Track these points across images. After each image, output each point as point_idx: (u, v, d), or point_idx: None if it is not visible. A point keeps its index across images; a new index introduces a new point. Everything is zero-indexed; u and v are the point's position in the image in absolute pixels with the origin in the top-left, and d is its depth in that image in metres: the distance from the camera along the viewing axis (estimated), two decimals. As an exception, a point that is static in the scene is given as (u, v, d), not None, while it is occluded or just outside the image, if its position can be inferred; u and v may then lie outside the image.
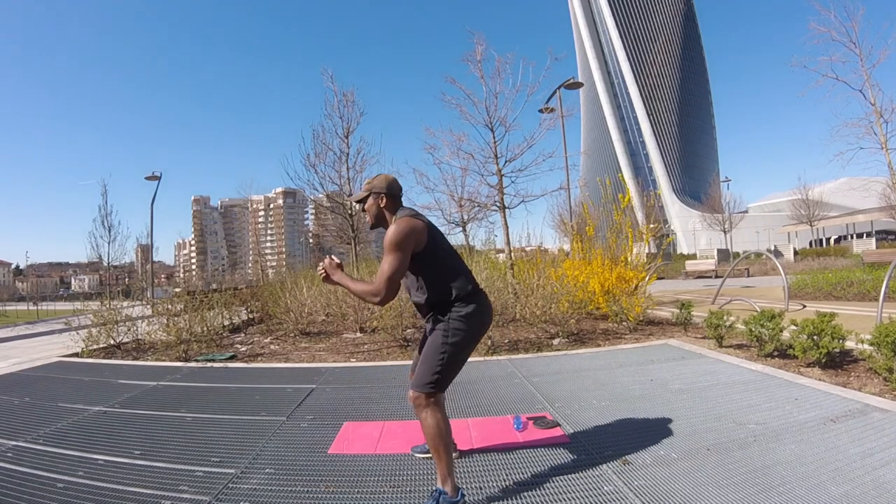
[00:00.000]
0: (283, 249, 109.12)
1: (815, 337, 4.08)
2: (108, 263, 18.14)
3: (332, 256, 2.26)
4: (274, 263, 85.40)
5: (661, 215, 69.22)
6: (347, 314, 7.50)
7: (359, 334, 7.17)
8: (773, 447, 2.54)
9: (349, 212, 10.36)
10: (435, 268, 2.14)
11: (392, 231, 2.04)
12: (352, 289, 2.11)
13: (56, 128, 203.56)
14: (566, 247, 12.30)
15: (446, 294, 2.12)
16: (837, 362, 4.18)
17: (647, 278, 8.21)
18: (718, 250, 33.36)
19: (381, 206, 2.22)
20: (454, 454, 2.54)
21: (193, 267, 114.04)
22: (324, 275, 2.19)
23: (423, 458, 2.59)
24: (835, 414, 2.99)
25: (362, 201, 2.26)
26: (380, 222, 2.25)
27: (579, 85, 12.21)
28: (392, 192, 2.23)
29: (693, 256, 38.58)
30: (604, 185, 8.95)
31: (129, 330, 7.12)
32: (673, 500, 2.05)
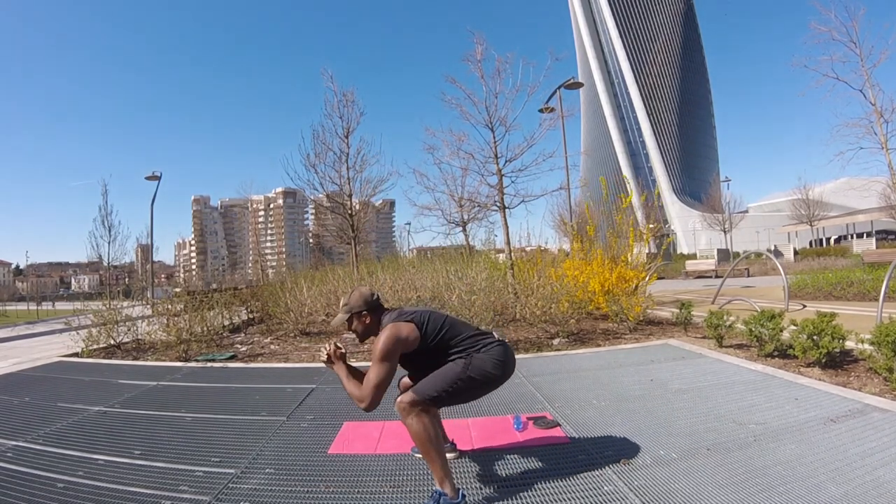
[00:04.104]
0: (283, 249, 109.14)
1: (815, 337, 4.08)
2: (108, 263, 18.13)
3: (337, 344, 2.28)
4: (274, 263, 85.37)
5: (661, 215, 69.24)
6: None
7: (359, 334, 7.17)
8: (773, 447, 2.54)
9: (349, 212, 10.36)
10: (436, 352, 2.14)
11: (380, 341, 2.04)
12: (345, 386, 2.14)
13: (56, 127, 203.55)
14: (566, 247, 12.31)
15: (443, 358, 2.14)
16: (837, 362, 4.18)
17: (647, 278, 8.21)
18: (718, 250, 33.35)
19: (367, 323, 2.22)
20: (453, 454, 2.55)
21: (193, 267, 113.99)
22: (324, 359, 2.21)
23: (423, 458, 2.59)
24: (835, 414, 2.99)
25: (348, 322, 2.24)
26: (369, 335, 2.26)
27: (579, 85, 12.21)
28: (372, 307, 2.22)
29: (693, 256, 38.60)
30: (605, 185, 8.95)
31: (129, 330, 7.13)
32: (673, 500, 2.05)
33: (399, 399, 2.09)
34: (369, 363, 2.31)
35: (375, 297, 2.25)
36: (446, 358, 2.13)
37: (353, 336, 2.30)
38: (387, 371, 2.02)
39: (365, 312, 2.20)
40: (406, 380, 2.40)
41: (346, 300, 2.25)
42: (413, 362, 2.18)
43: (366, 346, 6.27)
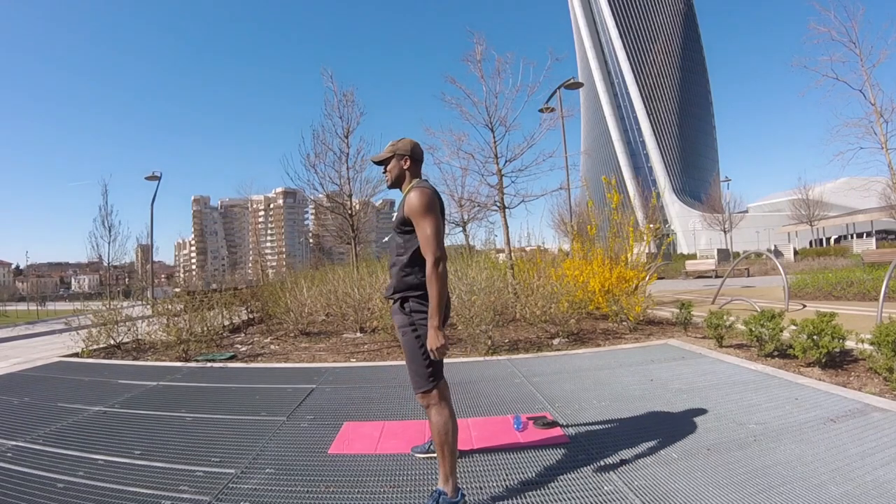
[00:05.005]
0: (283, 249, 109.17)
1: (815, 337, 4.08)
2: (109, 263, 18.12)
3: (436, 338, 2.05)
4: (274, 263, 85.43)
5: (662, 215, 69.23)
6: (347, 314, 7.51)
7: (359, 334, 7.17)
8: (773, 447, 2.54)
9: (349, 212, 10.36)
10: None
11: (419, 198, 2.05)
12: (434, 295, 1.97)
13: (56, 128, 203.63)
14: (566, 247, 12.30)
15: (419, 271, 2.10)
16: (837, 362, 4.18)
17: (647, 278, 8.21)
18: (718, 250, 33.34)
19: (405, 167, 2.25)
20: (454, 454, 2.55)
21: (193, 267, 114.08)
22: (440, 345, 1.97)
23: (423, 458, 2.59)
24: (835, 414, 2.99)
25: (384, 162, 2.28)
26: (398, 183, 2.28)
27: (579, 85, 12.20)
28: (416, 156, 2.27)
29: (693, 256, 38.58)
30: (607, 184, 8.94)
31: (129, 330, 7.12)
32: (673, 500, 2.05)
33: (417, 398, 2.13)
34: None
35: (422, 151, 2.32)
36: (418, 258, 2.10)
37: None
38: (435, 221, 2.04)
39: (407, 157, 2.24)
40: None
41: (394, 142, 2.30)
42: (409, 232, 2.13)
43: (366, 343, 6.27)
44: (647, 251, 8.56)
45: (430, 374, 2.08)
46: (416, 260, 2.10)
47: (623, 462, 2.44)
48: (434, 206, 2.07)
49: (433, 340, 1.97)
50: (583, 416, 3.20)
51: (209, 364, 5.60)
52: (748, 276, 20.38)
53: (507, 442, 2.80)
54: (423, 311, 2.08)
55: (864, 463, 2.29)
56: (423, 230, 2.02)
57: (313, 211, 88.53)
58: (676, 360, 4.80)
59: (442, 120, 27.47)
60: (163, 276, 71.43)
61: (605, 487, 2.19)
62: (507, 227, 8.93)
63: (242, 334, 8.01)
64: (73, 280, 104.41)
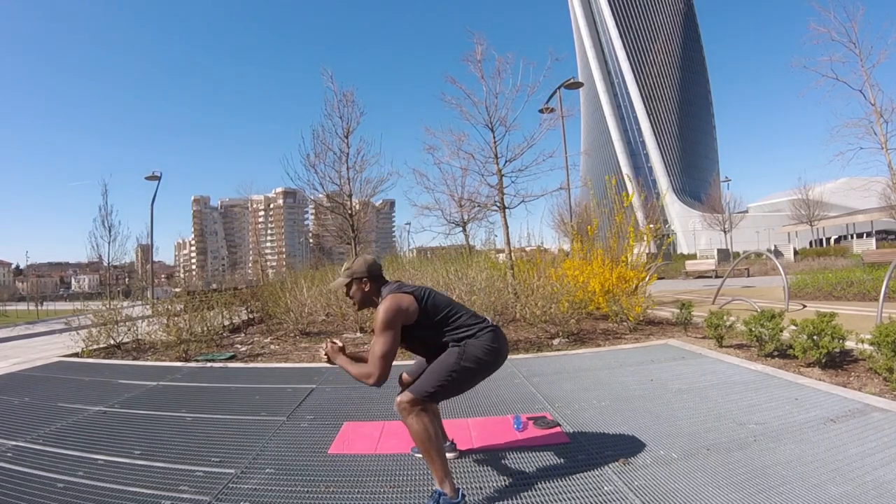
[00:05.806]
0: (284, 249, 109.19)
1: (815, 337, 4.08)
2: (109, 263, 18.11)
3: (335, 340, 2.30)
4: (274, 263, 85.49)
5: (662, 215, 69.27)
6: (347, 314, 7.51)
7: (359, 334, 7.17)
8: (773, 447, 2.54)
9: (349, 212, 10.35)
10: (435, 329, 2.14)
11: (380, 312, 2.03)
12: (350, 372, 2.12)
13: (56, 128, 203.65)
14: (566, 247, 12.31)
15: (453, 335, 2.14)
16: (837, 362, 4.18)
17: (647, 278, 8.21)
18: (718, 250, 33.36)
19: (366, 290, 2.21)
20: (453, 454, 2.55)
21: (193, 267, 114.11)
22: (326, 358, 2.24)
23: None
24: (835, 414, 2.99)
25: (347, 287, 2.25)
26: (367, 304, 2.26)
27: (579, 85, 12.21)
28: (373, 274, 2.21)
29: (693, 256, 38.56)
30: (610, 184, 8.94)
31: (129, 330, 7.12)
32: (673, 500, 2.04)
33: (398, 399, 2.09)
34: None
35: (378, 266, 2.26)
36: (444, 336, 2.12)
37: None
38: (391, 341, 2.02)
39: (365, 279, 2.19)
40: (406, 375, 2.42)
41: (348, 264, 2.26)
42: (412, 337, 2.16)
43: (367, 343, 6.27)
44: (647, 251, 8.56)
45: (433, 394, 2.07)
46: (442, 336, 2.11)
47: (623, 462, 2.43)
48: (391, 322, 2.02)
49: (332, 351, 2.21)
50: (583, 416, 3.20)
51: (209, 364, 5.60)
52: (748, 276, 20.37)
53: (507, 442, 2.80)
54: (480, 350, 2.09)
55: (864, 463, 2.29)
56: (375, 345, 2.02)
57: (313, 211, 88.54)
58: (676, 360, 4.80)
59: (442, 120, 27.44)
60: (163, 276, 71.42)
61: (605, 487, 2.19)
62: (507, 228, 8.93)
63: (242, 334, 8.01)
64: (73, 280, 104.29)
